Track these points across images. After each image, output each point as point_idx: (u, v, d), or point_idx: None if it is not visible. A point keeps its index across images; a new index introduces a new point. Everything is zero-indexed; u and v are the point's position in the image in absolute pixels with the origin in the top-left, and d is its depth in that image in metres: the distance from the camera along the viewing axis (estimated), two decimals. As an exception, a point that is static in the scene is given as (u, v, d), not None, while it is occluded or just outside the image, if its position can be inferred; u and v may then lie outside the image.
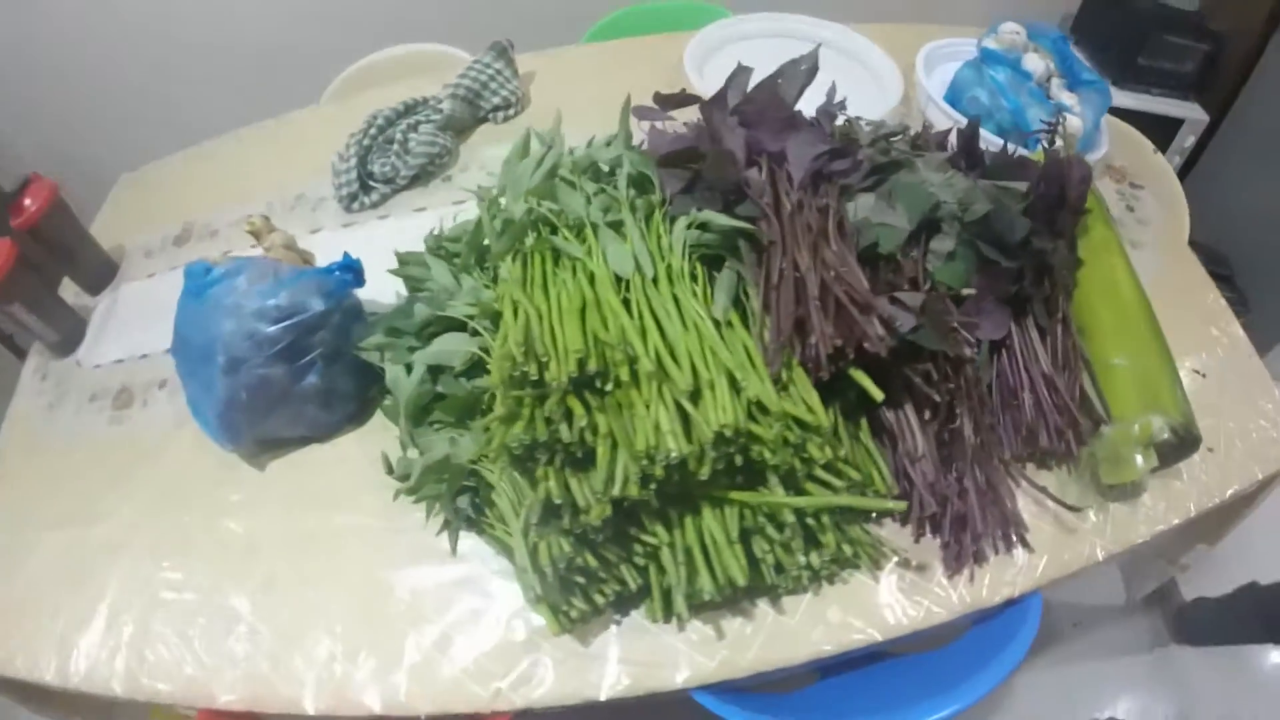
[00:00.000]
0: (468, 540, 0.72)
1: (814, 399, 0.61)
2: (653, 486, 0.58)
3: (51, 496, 0.84)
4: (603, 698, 0.65)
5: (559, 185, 0.71)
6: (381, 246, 0.81)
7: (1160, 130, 1.77)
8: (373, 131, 0.96)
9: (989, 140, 0.98)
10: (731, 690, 0.69)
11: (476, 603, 0.70)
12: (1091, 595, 1.53)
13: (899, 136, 0.81)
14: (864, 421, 0.69)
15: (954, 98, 1.05)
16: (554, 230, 0.70)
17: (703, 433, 0.58)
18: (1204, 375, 0.88)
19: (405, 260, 0.78)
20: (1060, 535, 0.73)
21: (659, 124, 0.79)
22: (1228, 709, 1.42)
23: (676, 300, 0.64)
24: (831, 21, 1.18)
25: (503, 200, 0.75)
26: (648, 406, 0.59)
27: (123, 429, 0.87)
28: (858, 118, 0.84)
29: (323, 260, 0.87)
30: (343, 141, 0.98)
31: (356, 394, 0.80)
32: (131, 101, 1.57)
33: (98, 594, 0.74)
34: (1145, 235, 1.01)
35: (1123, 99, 1.75)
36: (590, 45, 1.26)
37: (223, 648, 0.69)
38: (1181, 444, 0.75)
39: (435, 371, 0.71)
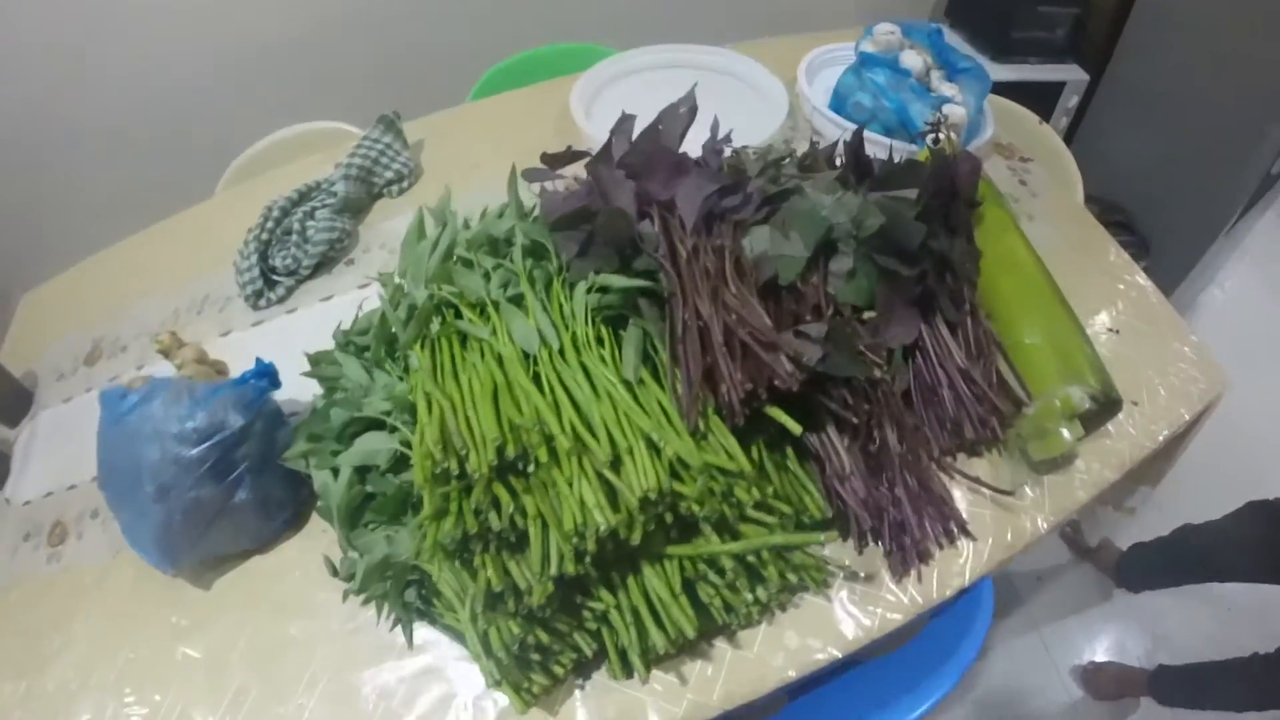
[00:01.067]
0: (423, 630, 0.71)
1: (733, 445, 0.61)
2: (588, 560, 0.58)
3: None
4: (578, 761, 0.65)
5: (456, 268, 0.70)
6: (294, 342, 0.78)
7: (1045, 96, 1.83)
8: (269, 225, 0.93)
9: (878, 142, 1.00)
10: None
11: (442, 690, 0.68)
12: (1045, 554, 1.58)
13: (787, 160, 0.82)
14: (790, 450, 0.70)
15: (838, 104, 1.06)
16: (458, 313, 0.69)
17: (628, 500, 0.58)
18: (1117, 331, 0.90)
19: (316, 360, 0.76)
20: (1001, 517, 0.75)
21: (549, 184, 0.79)
22: (1197, 630, 1.47)
23: (586, 369, 0.64)
24: (713, 46, 1.18)
25: (404, 285, 0.74)
26: (570, 484, 0.58)
27: (61, 565, 0.83)
28: (744, 147, 0.84)
29: (237, 364, 0.85)
30: (241, 232, 0.95)
31: (291, 499, 0.78)
32: (22, 214, 1.50)
33: None
34: (1039, 206, 1.03)
35: (1004, 73, 1.79)
36: (478, 102, 1.23)
37: (205, 770, 0.67)
38: (1104, 408, 0.77)
39: (363, 471, 0.69)
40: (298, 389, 0.80)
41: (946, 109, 0.99)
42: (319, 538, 0.77)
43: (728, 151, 0.82)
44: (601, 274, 0.67)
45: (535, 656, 0.62)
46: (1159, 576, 1.38)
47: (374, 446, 0.68)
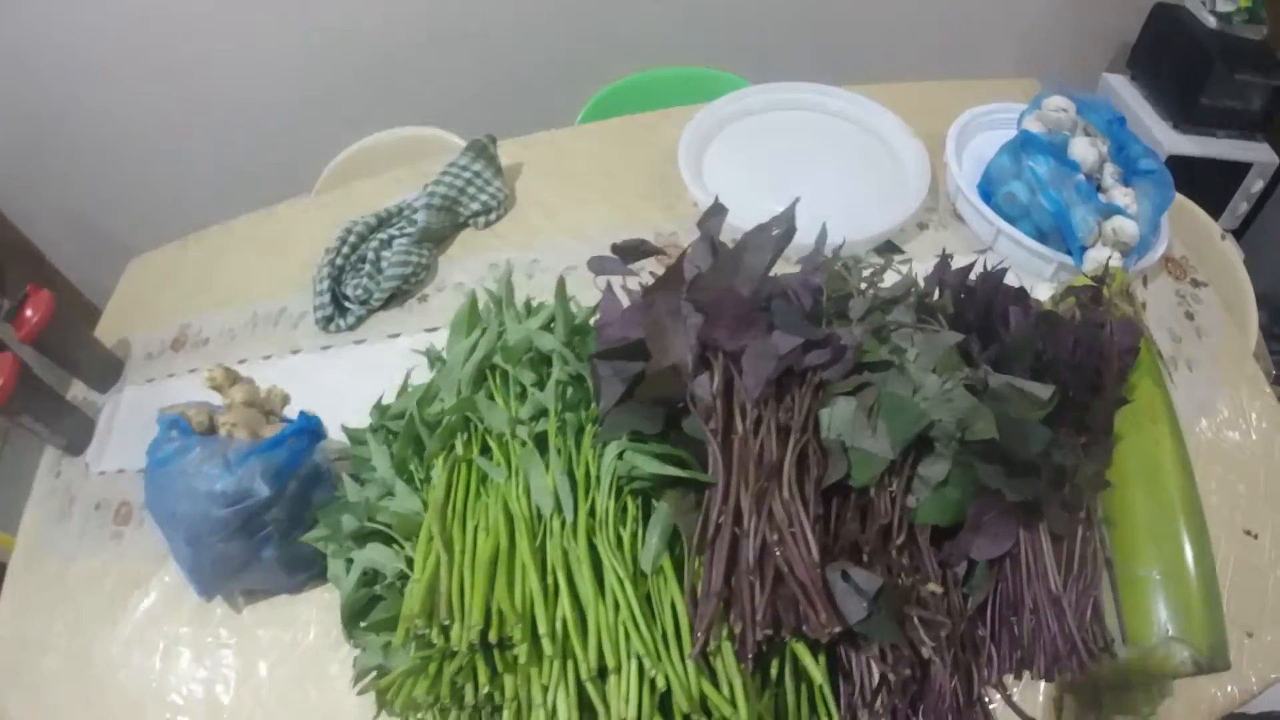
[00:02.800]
0: None
1: (738, 685, 0.51)
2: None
3: (60, 604, 0.84)
4: None
5: (482, 399, 0.61)
6: (357, 376, 0.74)
7: (1226, 175, 1.52)
8: (345, 250, 0.85)
9: (1025, 247, 0.79)
10: None
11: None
12: None
13: (903, 300, 0.65)
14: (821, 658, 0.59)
15: (987, 188, 0.84)
16: (484, 442, 0.61)
17: (604, 722, 0.50)
18: (1255, 536, 0.70)
19: (352, 438, 0.71)
20: None
21: (618, 280, 0.67)
22: None
23: (596, 552, 0.55)
24: (847, 91, 0.97)
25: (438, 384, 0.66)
26: (545, 690, 0.51)
27: (119, 547, 0.85)
28: (856, 260, 0.68)
29: (299, 390, 0.81)
30: (325, 239, 0.90)
31: (319, 556, 0.75)
32: (139, 185, 1.52)
33: (105, 707, 0.74)
34: (1203, 352, 0.80)
35: (1183, 143, 1.49)
36: (584, 127, 1.07)
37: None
38: (1204, 671, 0.61)
39: (373, 570, 0.65)
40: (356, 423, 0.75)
41: (1116, 223, 0.76)
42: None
43: (831, 252, 0.66)
44: (636, 443, 0.56)
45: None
46: None
47: (380, 558, 0.63)
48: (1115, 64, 1.71)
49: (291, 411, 0.82)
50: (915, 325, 0.63)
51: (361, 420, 0.74)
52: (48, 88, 1.42)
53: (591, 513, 0.56)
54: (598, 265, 0.67)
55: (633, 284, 0.67)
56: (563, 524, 0.56)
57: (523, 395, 0.62)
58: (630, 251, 0.67)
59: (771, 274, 0.63)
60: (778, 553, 0.51)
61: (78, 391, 0.99)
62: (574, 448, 0.58)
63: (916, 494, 0.57)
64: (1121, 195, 0.78)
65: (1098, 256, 0.76)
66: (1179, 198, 0.87)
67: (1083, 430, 0.62)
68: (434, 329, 0.84)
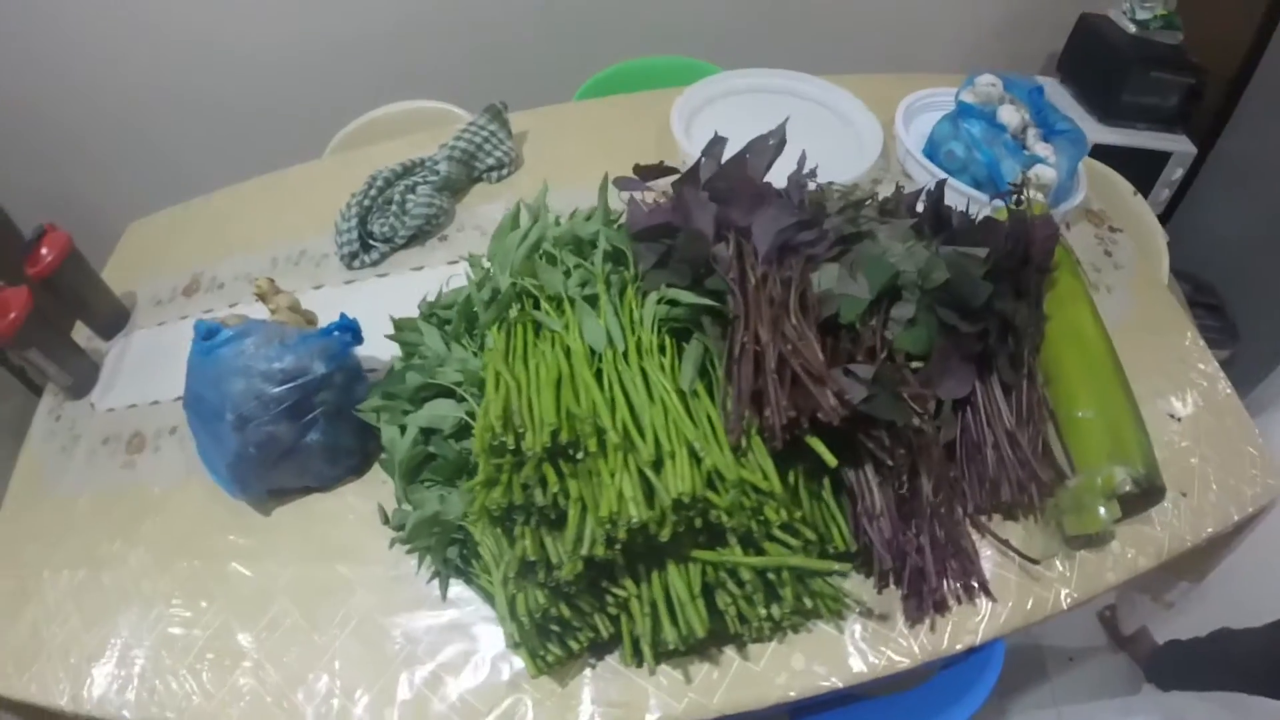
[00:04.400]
0: (458, 587, 0.79)
1: (769, 466, 0.67)
2: (618, 547, 0.65)
3: (60, 540, 0.90)
4: (578, 736, 0.71)
5: (540, 263, 0.78)
6: (380, 304, 0.88)
7: (1149, 165, 1.81)
8: (372, 193, 1.03)
9: (965, 193, 1.03)
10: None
11: (465, 645, 0.76)
12: (1079, 634, 1.57)
13: (869, 202, 0.87)
14: (827, 481, 0.75)
15: (932, 151, 1.10)
16: (536, 303, 0.77)
17: (663, 499, 0.64)
18: (1179, 419, 0.92)
19: (400, 325, 0.85)
20: (1026, 584, 0.77)
21: (638, 194, 0.86)
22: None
23: (645, 374, 0.71)
24: (814, 76, 1.24)
25: (491, 270, 0.82)
26: (613, 475, 0.65)
27: (134, 474, 0.94)
28: (829, 183, 0.90)
29: (325, 316, 0.94)
30: (343, 196, 1.06)
31: (358, 448, 0.87)
32: (141, 152, 1.66)
33: (109, 631, 0.81)
34: (1121, 279, 1.05)
35: (1109, 136, 1.78)
36: (582, 103, 1.32)
37: (229, 682, 0.76)
38: (1145, 494, 0.79)
39: (427, 433, 0.78)
40: (379, 349, 0.89)
41: (1037, 169, 1.02)
42: (377, 489, 0.86)
43: (812, 185, 0.87)
44: (673, 288, 0.74)
45: (555, 628, 0.69)
46: (1190, 678, 1.36)
47: (442, 412, 0.76)
48: (1046, 69, 2.05)
49: (321, 330, 0.95)
50: (880, 219, 0.84)
51: (386, 342, 0.88)
52: (41, 61, 1.53)
53: (638, 348, 0.72)
54: (622, 182, 0.86)
55: (649, 198, 0.86)
56: (614, 355, 0.71)
57: (567, 272, 0.78)
58: (649, 171, 0.86)
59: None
60: (792, 360, 0.68)
61: (81, 339, 1.08)
62: (618, 301, 0.75)
63: (892, 332, 0.76)
64: (1042, 149, 1.05)
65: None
66: (1098, 165, 1.15)
67: (1019, 297, 0.83)
68: (455, 261, 0.99)
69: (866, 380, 0.68)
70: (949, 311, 0.77)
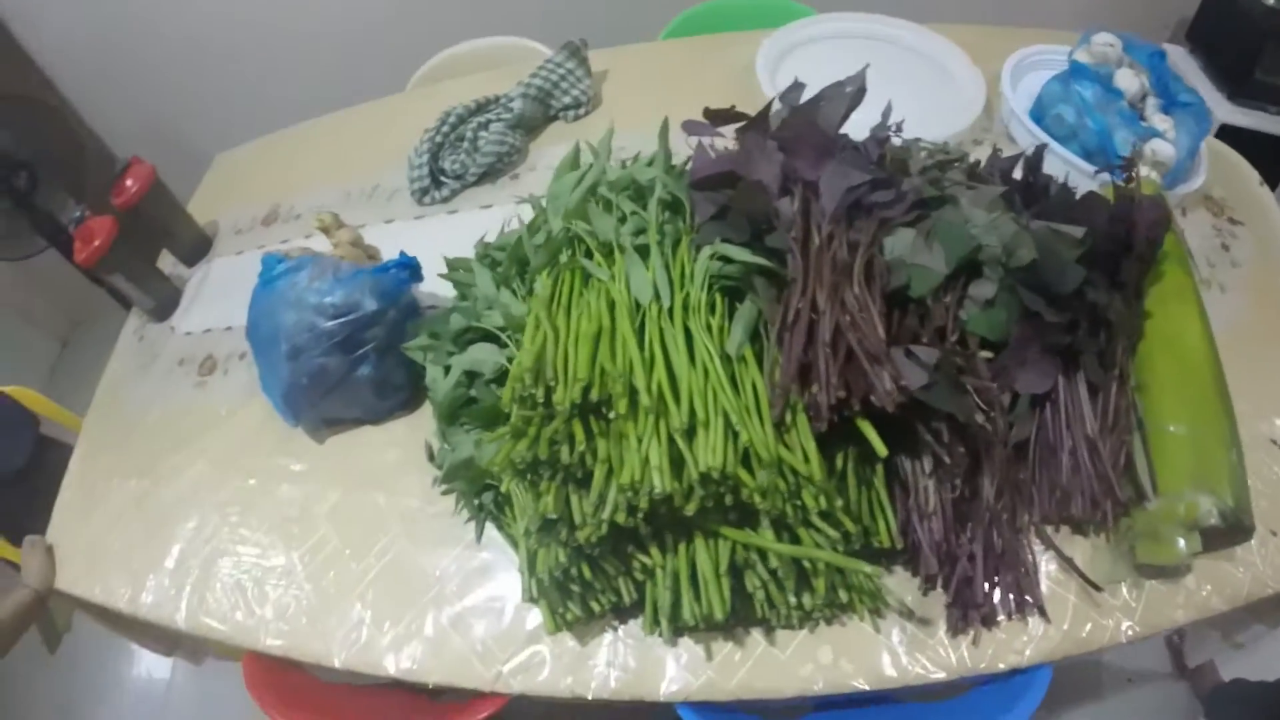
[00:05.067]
0: (492, 532, 0.77)
1: (811, 447, 0.60)
2: (640, 515, 0.61)
3: (128, 450, 0.94)
4: (590, 697, 0.69)
5: (593, 208, 0.73)
6: (447, 241, 0.85)
7: (1274, 152, 1.59)
8: (445, 129, 0.99)
9: (1069, 162, 0.91)
10: (718, 711, 0.71)
11: (493, 589, 0.75)
12: (1143, 656, 1.44)
13: (957, 164, 0.77)
14: (879, 468, 0.68)
15: (1039, 113, 0.97)
16: (588, 250, 0.72)
17: (691, 472, 0.59)
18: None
19: (454, 265, 0.82)
20: (1084, 608, 0.68)
21: (707, 140, 0.79)
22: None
23: (689, 333, 0.65)
24: (915, 24, 1.11)
25: (546, 212, 0.78)
26: (640, 439, 0.60)
27: (203, 393, 0.96)
28: (916, 140, 0.80)
29: (392, 251, 0.93)
30: (420, 132, 1.02)
31: (408, 384, 0.85)
32: (228, 85, 1.68)
33: (168, 539, 0.84)
34: (1237, 278, 0.91)
35: (1236, 116, 1.61)
36: (666, 43, 1.24)
37: (271, 598, 0.78)
38: (1231, 529, 0.67)
39: (471, 375, 0.75)
40: (441, 285, 0.86)
41: (1153, 144, 0.88)
42: (425, 424, 0.84)
43: (897, 141, 0.78)
44: (727, 243, 0.68)
45: (575, 588, 0.65)
46: None
47: (483, 356, 0.73)
48: (1175, 36, 1.84)
49: (385, 265, 0.94)
50: (968, 184, 0.75)
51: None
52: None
53: (685, 305, 0.66)
54: (690, 126, 0.79)
55: (720, 144, 0.79)
56: (658, 310, 0.66)
57: (622, 218, 0.73)
58: (719, 116, 0.79)
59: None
60: (849, 334, 0.61)
61: (166, 266, 1.11)
62: (670, 253, 0.69)
63: (967, 312, 0.67)
64: (1161, 121, 0.91)
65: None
66: (1222, 146, 1.00)
67: (1116, 287, 0.73)
68: (525, 200, 0.95)
69: (929, 365, 0.60)
70: (1034, 295, 0.67)
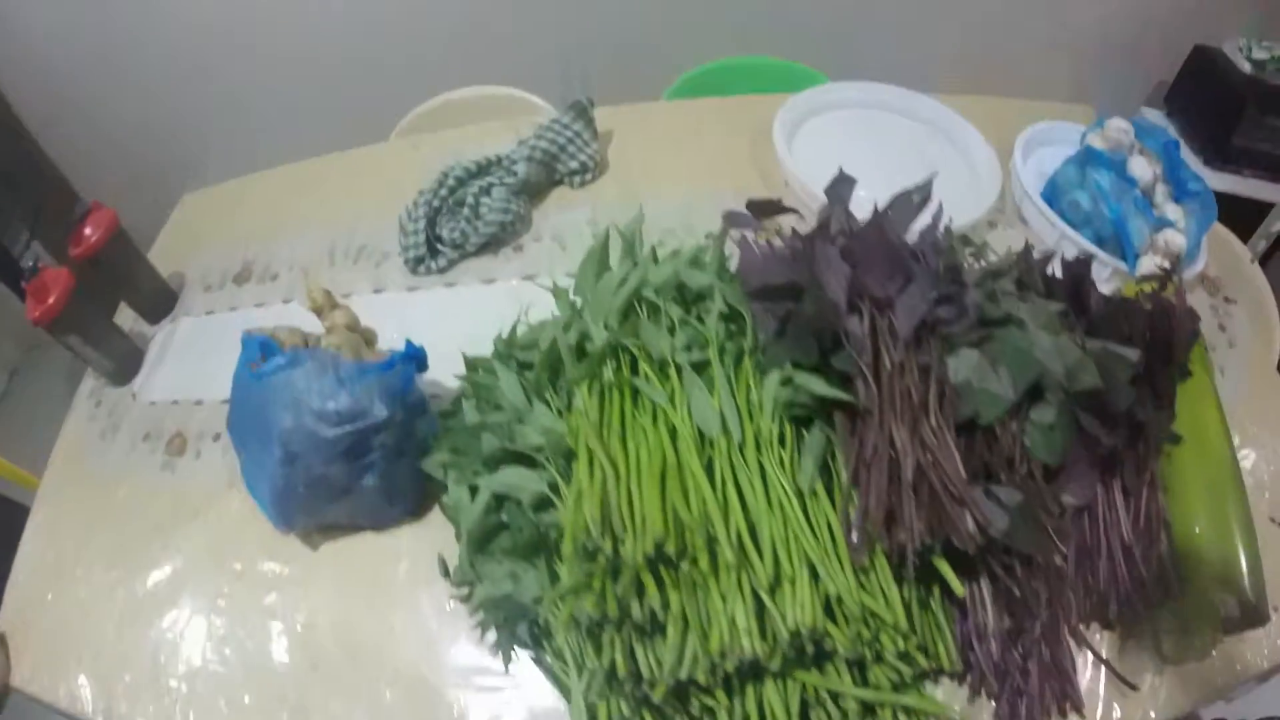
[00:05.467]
0: (520, 658, 0.70)
1: (893, 592, 0.57)
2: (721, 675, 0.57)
3: (96, 531, 0.83)
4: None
5: (643, 319, 0.67)
6: (448, 318, 0.77)
7: (1247, 213, 1.68)
8: (443, 192, 0.89)
9: (1090, 252, 0.92)
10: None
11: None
12: None
13: (1005, 275, 0.75)
14: (936, 588, 0.67)
15: (1051, 195, 0.97)
16: (634, 364, 0.66)
17: (779, 629, 0.55)
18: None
19: (473, 365, 0.74)
20: (1112, 695, 0.69)
21: (749, 233, 0.75)
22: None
23: (762, 470, 0.61)
24: (928, 96, 1.09)
25: (582, 312, 0.71)
26: (724, 598, 0.56)
27: (174, 477, 0.85)
28: (963, 239, 0.78)
29: (386, 329, 0.84)
30: (411, 183, 0.93)
31: (416, 490, 0.77)
32: (200, 118, 1.52)
33: (143, 645, 0.74)
34: (1234, 359, 0.93)
35: (1213, 180, 1.63)
36: (671, 103, 1.17)
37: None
38: (1248, 619, 0.72)
39: (500, 498, 0.68)
40: (443, 371, 0.79)
41: (1165, 235, 0.90)
42: (436, 531, 0.77)
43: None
44: (800, 369, 0.63)
45: (636, 734, 0.61)
46: None
47: (519, 482, 0.66)
48: (1153, 99, 1.88)
49: (381, 347, 0.84)
50: (1019, 294, 0.73)
51: (451, 361, 0.78)
52: (115, 16, 1.39)
53: (755, 438, 0.62)
54: (733, 219, 0.74)
55: (762, 239, 0.74)
56: (729, 445, 0.61)
57: (672, 328, 0.68)
58: (763, 207, 0.74)
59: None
60: (931, 474, 0.59)
61: (126, 321, 0.98)
62: (733, 375, 0.64)
63: (1029, 436, 0.66)
64: (1172, 211, 0.92)
65: (1148, 264, 0.89)
66: (1216, 227, 1.03)
67: (1153, 397, 0.73)
68: (530, 276, 0.88)
69: (1011, 506, 0.59)
70: (1090, 417, 0.67)
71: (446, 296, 0.88)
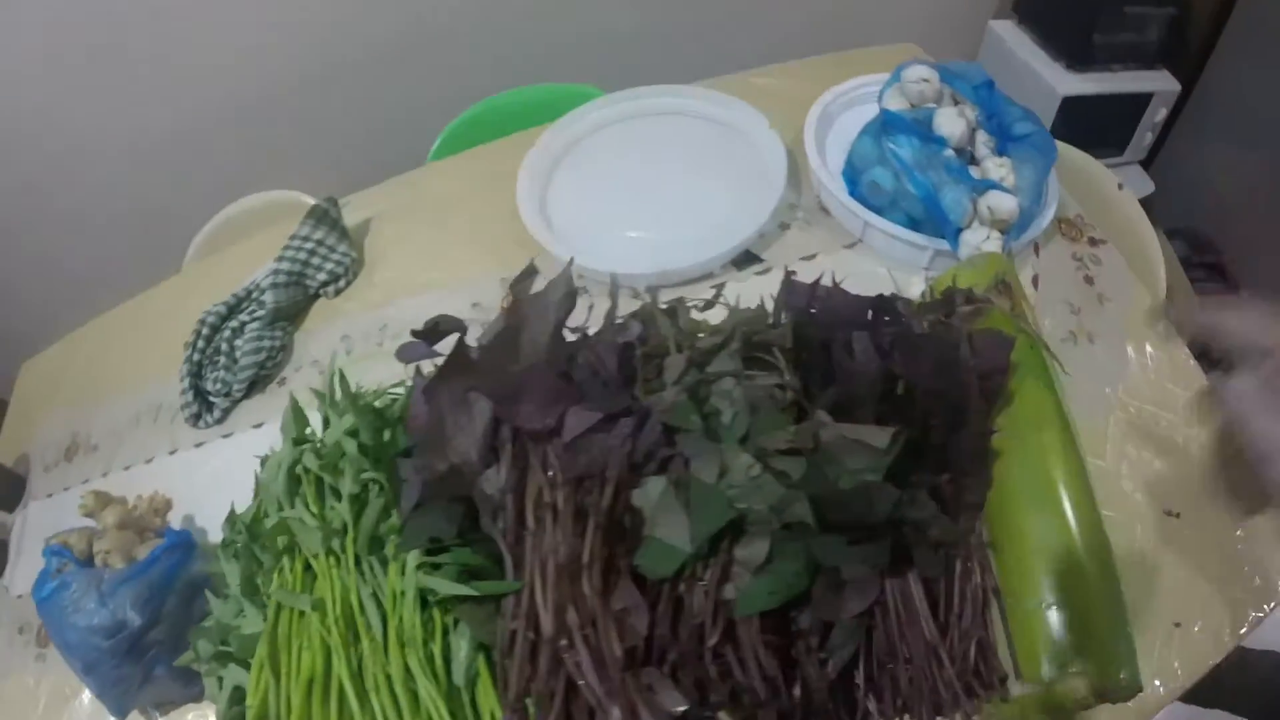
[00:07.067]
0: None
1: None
2: None
3: None
4: None
5: (294, 520, 0.61)
6: (229, 470, 0.75)
7: (1128, 110, 1.51)
8: (200, 343, 0.86)
9: (893, 234, 0.74)
10: None
11: None
12: None
13: (728, 347, 0.61)
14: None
15: (853, 177, 0.78)
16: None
17: None
18: (1177, 515, 0.67)
19: (218, 554, 0.73)
20: None
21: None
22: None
23: (408, 670, 0.55)
24: (707, 89, 0.91)
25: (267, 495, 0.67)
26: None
27: (44, 666, 0.87)
28: (681, 300, 0.64)
29: (179, 489, 0.84)
30: (188, 330, 0.91)
31: (209, 667, 0.78)
32: (18, 287, 1.51)
33: None
34: (1106, 321, 0.75)
35: (1081, 84, 1.46)
36: (433, 165, 1.05)
37: None
38: (1111, 699, 0.57)
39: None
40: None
41: (988, 200, 0.70)
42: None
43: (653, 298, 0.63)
44: (436, 548, 0.56)
45: None
46: None
47: (238, 681, 0.65)
48: (1001, 10, 1.64)
49: (176, 514, 0.85)
50: (741, 374, 0.60)
51: None
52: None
53: (399, 636, 0.56)
54: (405, 353, 0.64)
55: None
56: (374, 646, 0.56)
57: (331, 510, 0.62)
58: (431, 334, 0.63)
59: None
60: (569, 659, 0.50)
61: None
62: (377, 563, 0.58)
63: (738, 580, 0.54)
64: (996, 167, 0.72)
65: (973, 239, 0.71)
66: (1070, 151, 0.80)
67: (947, 469, 0.58)
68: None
69: (674, 709, 0.48)
70: (830, 541, 0.53)
71: (226, 447, 0.85)
